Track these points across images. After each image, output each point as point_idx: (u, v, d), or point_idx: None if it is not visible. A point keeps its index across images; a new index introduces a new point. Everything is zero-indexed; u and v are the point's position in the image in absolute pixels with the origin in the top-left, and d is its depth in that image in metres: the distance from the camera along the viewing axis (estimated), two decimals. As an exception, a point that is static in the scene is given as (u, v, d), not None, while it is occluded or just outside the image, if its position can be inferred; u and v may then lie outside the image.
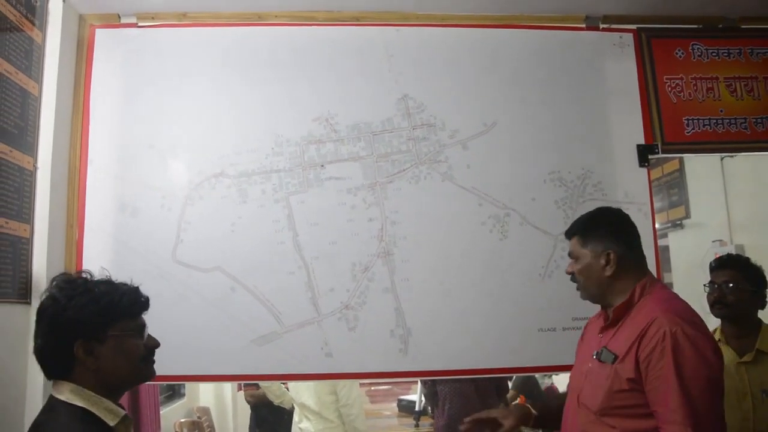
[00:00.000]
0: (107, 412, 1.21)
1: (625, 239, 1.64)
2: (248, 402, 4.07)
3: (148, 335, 1.32)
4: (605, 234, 1.63)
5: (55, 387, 1.22)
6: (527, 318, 2.23)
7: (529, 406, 1.78)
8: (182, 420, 3.91)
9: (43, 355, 1.23)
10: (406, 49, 2.35)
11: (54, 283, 1.26)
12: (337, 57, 2.34)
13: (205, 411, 4.51)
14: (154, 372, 1.33)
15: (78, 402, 1.19)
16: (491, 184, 2.29)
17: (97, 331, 1.22)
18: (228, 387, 5.03)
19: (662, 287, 1.62)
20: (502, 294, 2.23)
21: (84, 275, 1.29)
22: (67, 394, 1.19)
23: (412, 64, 2.34)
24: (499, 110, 2.34)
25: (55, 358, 1.22)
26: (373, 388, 5.22)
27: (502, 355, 2.21)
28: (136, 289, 1.31)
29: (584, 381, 1.61)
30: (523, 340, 2.22)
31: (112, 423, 1.21)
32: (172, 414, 4.22)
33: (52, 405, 1.20)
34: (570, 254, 1.69)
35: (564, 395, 1.79)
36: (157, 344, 1.33)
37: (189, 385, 4.74)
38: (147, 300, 1.32)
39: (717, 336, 2.13)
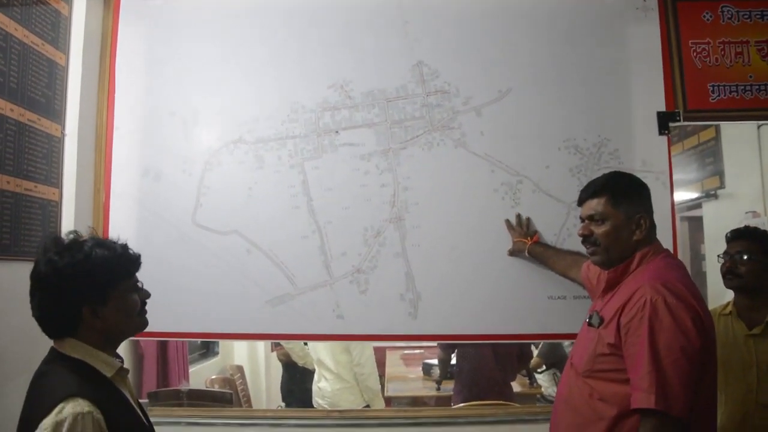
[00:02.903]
0: (104, 364, 1.29)
1: (649, 205, 1.64)
2: (280, 361, 4.22)
3: (141, 288, 1.39)
4: (638, 198, 1.62)
5: (57, 340, 1.30)
6: (538, 286, 2.24)
7: (527, 244, 2.18)
8: (214, 377, 4.09)
9: (46, 318, 1.28)
10: (421, 15, 2.34)
11: (47, 246, 1.28)
12: (353, 24, 2.35)
13: (239, 369, 4.68)
14: (147, 322, 1.40)
15: (77, 355, 1.26)
16: (504, 152, 2.28)
17: (101, 294, 1.28)
18: (261, 347, 5.20)
19: (664, 257, 1.60)
20: (512, 261, 2.24)
21: (72, 236, 1.33)
22: (67, 347, 1.27)
23: (426, 31, 2.33)
24: (514, 77, 2.31)
25: (59, 321, 1.27)
26: (406, 351, 5.30)
27: (511, 321, 2.24)
28: (128, 249, 1.35)
29: (577, 343, 1.67)
30: (533, 307, 2.23)
31: (108, 374, 1.28)
32: (205, 371, 4.42)
33: (53, 357, 1.28)
34: (592, 216, 1.63)
35: (556, 249, 2.19)
36: (148, 295, 1.40)
37: (223, 344, 4.92)
38: (139, 257, 1.37)
39: (728, 309, 2.10)
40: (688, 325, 1.39)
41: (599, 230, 1.61)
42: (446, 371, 3.92)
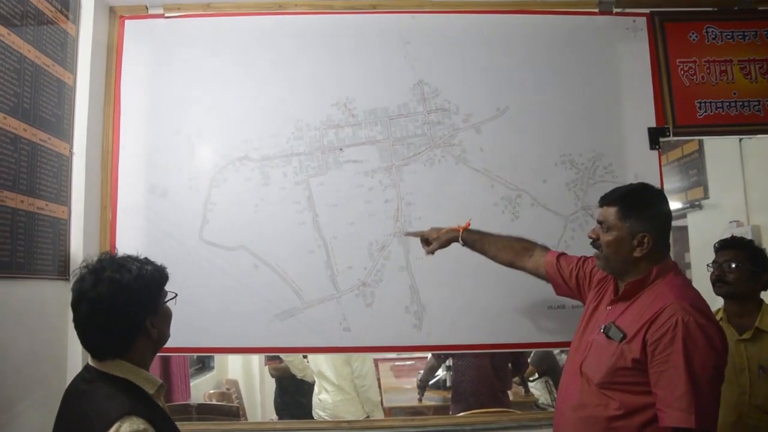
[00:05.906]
0: (146, 381, 1.31)
1: (662, 224, 1.64)
2: (272, 375, 4.24)
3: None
4: (648, 215, 1.61)
5: (102, 362, 1.30)
6: (537, 296, 2.30)
7: (459, 231, 2.05)
8: (211, 391, 4.10)
9: (109, 339, 1.28)
10: (421, 35, 2.42)
11: (100, 267, 1.30)
12: (355, 44, 2.42)
13: (234, 383, 4.70)
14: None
15: (119, 373, 1.28)
16: (503, 167, 2.36)
17: (155, 305, 1.35)
18: (255, 361, 5.22)
19: (676, 273, 1.63)
20: (512, 273, 2.28)
21: (105, 256, 1.36)
22: (110, 366, 1.29)
23: (427, 51, 2.41)
24: (511, 95, 2.40)
25: (124, 338, 1.29)
26: (397, 363, 5.36)
27: (512, 330, 2.30)
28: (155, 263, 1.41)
29: (588, 351, 1.66)
30: (533, 316, 2.31)
31: (151, 391, 1.31)
32: (202, 385, 4.43)
33: (93, 376, 1.29)
34: (601, 222, 1.66)
35: (497, 236, 2.07)
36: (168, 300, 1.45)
37: (218, 359, 4.94)
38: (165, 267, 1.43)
39: (719, 315, 2.19)
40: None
41: (604, 238, 1.65)
42: (430, 379, 3.98)
